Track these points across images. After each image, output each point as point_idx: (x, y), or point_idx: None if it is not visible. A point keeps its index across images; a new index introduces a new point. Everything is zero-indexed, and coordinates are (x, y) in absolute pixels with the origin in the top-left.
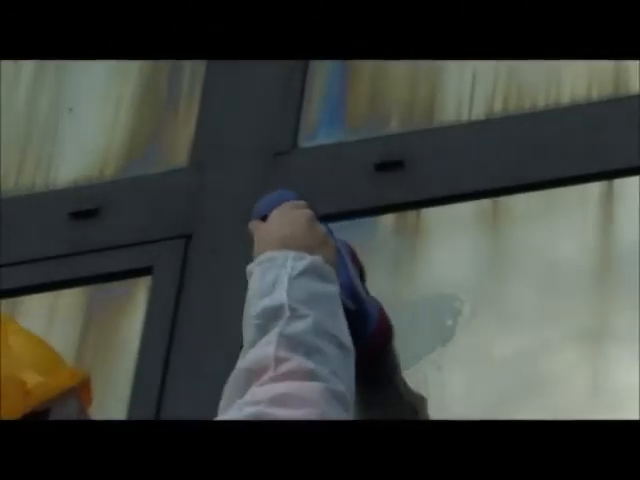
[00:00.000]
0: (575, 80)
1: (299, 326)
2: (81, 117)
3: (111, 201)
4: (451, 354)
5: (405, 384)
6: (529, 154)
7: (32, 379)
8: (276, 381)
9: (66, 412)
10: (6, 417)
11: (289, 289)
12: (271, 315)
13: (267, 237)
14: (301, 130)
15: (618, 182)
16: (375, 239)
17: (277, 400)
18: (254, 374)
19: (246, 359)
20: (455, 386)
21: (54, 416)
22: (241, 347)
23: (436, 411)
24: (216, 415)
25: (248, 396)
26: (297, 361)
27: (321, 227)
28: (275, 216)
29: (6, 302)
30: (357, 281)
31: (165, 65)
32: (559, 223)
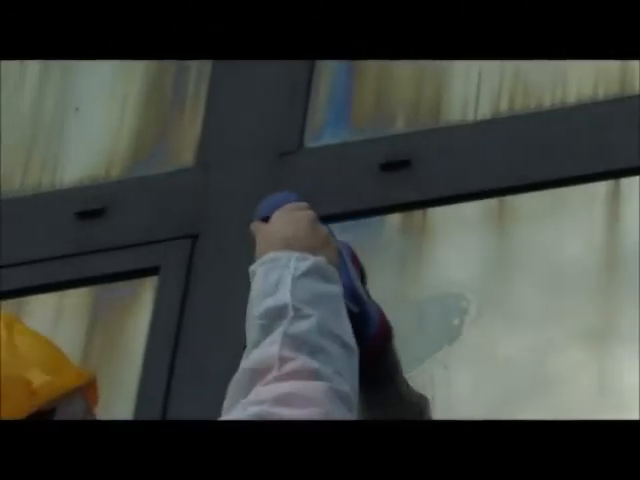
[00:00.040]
0: (581, 79)
1: (303, 326)
2: (87, 117)
3: (117, 201)
4: (457, 353)
5: (407, 384)
6: (535, 154)
7: (38, 378)
8: (280, 381)
9: (72, 412)
10: (12, 416)
11: (293, 289)
12: (275, 315)
13: (269, 238)
14: (307, 130)
15: (624, 182)
16: (381, 239)
17: (281, 399)
18: (258, 374)
19: (250, 359)
20: (461, 385)
21: (60, 416)
22: (245, 347)
23: (442, 410)
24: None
25: (252, 395)
26: (301, 361)
27: (323, 228)
28: (277, 217)
29: (12, 302)
30: (358, 283)
31: (171, 65)
32: (565, 222)
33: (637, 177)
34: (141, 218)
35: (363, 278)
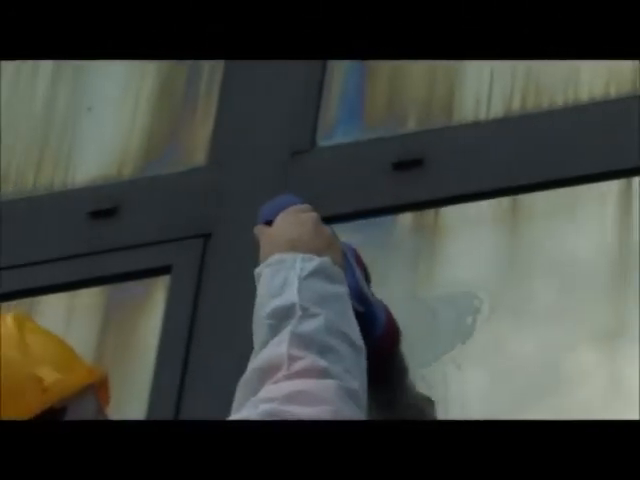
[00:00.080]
0: (593, 78)
1: (311, 325)
2: (99, 117)
3: (129, 200)
4: (470, 352)
5: (413, 385)
6: (547, 152)
7: (49, 376)
8: (290, 379)
9: (83, 409)
10: (24, 414)
11: (299, 289)
12: (283, 315)
13: (274, 240)
14: (319, 129)
15: (636, 180)
16: (393, 238)
17: (292, 397)
18: (267, 373)
19: (258, 358)
20: (474, 384)
21: (71, 413)
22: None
23: (454, 409)
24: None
25: (262, 393)
26: (310, 359)
27: (327, 229)
28: (281, 220)
29: (25, 302)
30: (363, 283)
31: (183, 65)
32: (578, 221)
33: None
34: (153, 217)
35: (367, 278)
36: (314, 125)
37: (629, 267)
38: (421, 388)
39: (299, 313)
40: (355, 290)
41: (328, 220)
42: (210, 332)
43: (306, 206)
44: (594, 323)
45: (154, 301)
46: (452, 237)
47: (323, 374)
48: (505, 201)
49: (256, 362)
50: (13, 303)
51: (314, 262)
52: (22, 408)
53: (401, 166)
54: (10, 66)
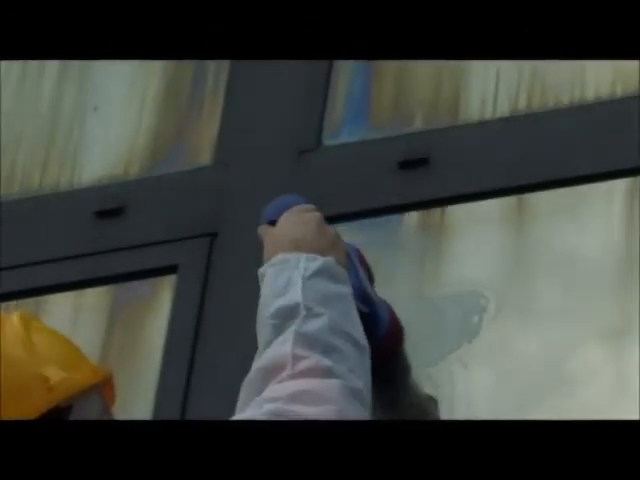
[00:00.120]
0: (599, 77)
1: (315, 324)
2: (105, 116)
3: (136, 200)
4: (476, 351)
5: (417, 384)
6: (553, 151)
7: (55, 375)
8: (294, 378)
9: (89, 408)
10: (30, 413)
11: (303, 289)
12: (287, 314)
13: (278, 240)
14: (325, 128)
15: None
16: (399, 237)
17: (296, 397)
18: (271, 372)
19: (262, 358)
20: (480, 383)
21: (77, 412)
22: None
23: (460, 408)
24: None
25: (267, 393)
26: (314, 359)
27: (331, 229)
28: (285, 220)
29: (31, 301)
30: (367, 283)
31: (189, 64)
32: (583, 220)
33: None
34: (159, 217)
35: (371, 278)
36: (320, 124)
37: (635, 266)
38: (427, 387)
39: (303, 313)
40: (359, 290)
41: (334, 219)
42: (216, 332)
43: (309, 206)
44: (600, 322)
45: (160, 300)
46: (458, 236)
47: (327, 374)
48: (511, 200)
49: (260, 362)
50: (19, 302)
51: (318, 262)
52: (28, 407)
53: (407, 165)
54: (16, 66)
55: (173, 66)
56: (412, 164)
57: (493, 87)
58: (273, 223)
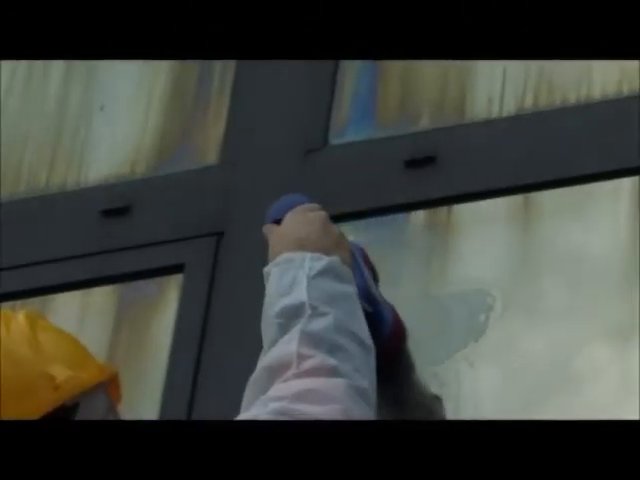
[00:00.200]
0: (605, 76)
1: (320, 323)
2: (112, 116)
3: (142, 199)
4: (483, 350)
5: (421, 382)
6: (560, 150)
7: (61, 373)
8: (300, 377)
9: (95, 407)
10: (36, 412)
11: (308, 288)
12: (292, 314)
13: (283, 239)
14: (332, 127)
15: None
16: (406, 236)
17: (301, 396)
18: (276, 371)
19: (268, 357)
20: (486, 382)
21: (83, 411)
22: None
23: (467, 407)
24: None
25: (272, 392)
26: (320, 358)
27: (336, 229)
28: (290, 219)
29: (37, 300)
30: (371, 283)
31: (195, 64)
32: (590, 219)
33: None
34: (166, 216)
35: (375, 278)
36: (327, 123)
37: None
38: (433, 386)
39: (308, 312)
40: (363, 290)
41: (341, 218)
42: (223, 331)
43: (314, 205)
44: (607, 320)
45: (167, 300)
46: (464, 235)
47: (332, 373)
48: (517, 199)
49: (265, 361)
50: (26, 301)
51: (323, 261)
52: (34, 406)
53: (413, 164)
54: (23, 65)
55: (179, 66)
56: (418, 163)
57: (500, 86)
58: (278, 222)
